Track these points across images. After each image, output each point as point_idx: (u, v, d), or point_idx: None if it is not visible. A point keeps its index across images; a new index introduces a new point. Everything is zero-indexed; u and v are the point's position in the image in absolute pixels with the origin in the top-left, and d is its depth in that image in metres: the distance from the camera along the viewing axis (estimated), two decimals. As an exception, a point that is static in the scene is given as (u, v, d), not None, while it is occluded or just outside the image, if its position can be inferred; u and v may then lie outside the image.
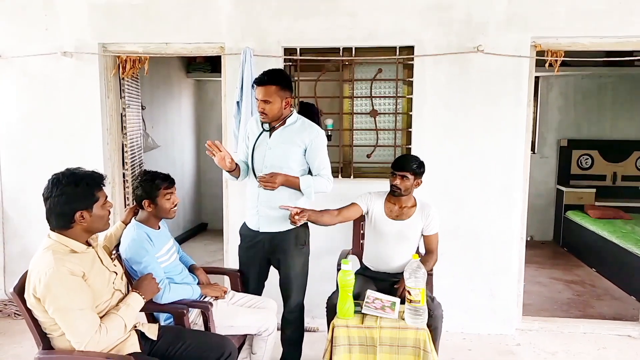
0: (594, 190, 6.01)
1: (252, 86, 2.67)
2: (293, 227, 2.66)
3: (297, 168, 2.70)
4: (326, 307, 2.77)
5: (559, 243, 6.19)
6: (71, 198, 1.93)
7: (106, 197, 2.04)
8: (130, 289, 2.22)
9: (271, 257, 2.81)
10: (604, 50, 4.24)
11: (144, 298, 2.15)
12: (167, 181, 2.49)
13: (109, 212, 2.06)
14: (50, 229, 1.98)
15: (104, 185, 2.04)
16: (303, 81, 3.76)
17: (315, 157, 2.70)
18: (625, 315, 3.93)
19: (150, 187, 2.44)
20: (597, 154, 6.25)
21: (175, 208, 2.53)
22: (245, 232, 2.85)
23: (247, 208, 2.84)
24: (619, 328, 3.66)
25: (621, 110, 6.19)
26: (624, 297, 4.41)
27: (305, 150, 2.70)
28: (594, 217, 5.50)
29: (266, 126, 2.71)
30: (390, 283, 2.85)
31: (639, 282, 3.76)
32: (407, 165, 2.83)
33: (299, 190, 2.66)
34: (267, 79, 2.60)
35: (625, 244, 4.62)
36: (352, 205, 2.95)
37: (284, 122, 2.70)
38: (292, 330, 2.84)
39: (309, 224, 2.81)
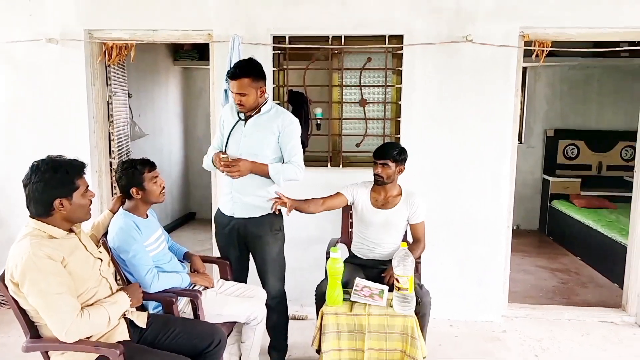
0: (579, 179, 6.08)
1: (226, 80, 2.64)
2: (267, 213, 2.72)
3: (272, 155, 2.70)
4: (315, 295, 2.79)
5: (544, 232, 6.27)
6: (49, 185, 1.90)
7: (87, 185, 2.02)
8: (117, 288, 2.20)
9: (247, 242, 2.83)
10: (591, 41, 4.27)
11: (130, 300, 2.12)
12: (149, 164, 2.47)
13: (90, 202, 2.03)
14: (30, 217, 1.95)
15: (84, 174, 2.01)
16: (292, 69, 3.74)
17: (287, 144, 2.70)
18: (608, 302, 4.00)
19: (134, 173, 2.42)
20: (582, 144, 6.32)
21: (164, 190, 2.51)
22: (220, 219, 2.87)
23: (222, 194, 2.88)
24: (602, 315, 3.73)
25: (607, 100, 6.25)
26: (608, 284, 4.49)
27: (279, 137, 2.70)
28: (579, 207, 5.57)
29: (242, 115, 2.71)
30: (378, 271, 2.87)
31: (622, 270, 3.83)
32: (387, 153, 2.84)
33: (268, 177, 2.66)
34: (239, 72, 2.59)
35: (609, 232, 4.70)
36: (337, 195, 2.98)
37: (259, 110, 2.70)
38: (276, 316, 2.85)
39: (298, 212, 2.83)
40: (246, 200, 2.72)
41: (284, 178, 2.67)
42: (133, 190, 2.44)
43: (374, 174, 2.89)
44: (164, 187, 2.51)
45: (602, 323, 3.66)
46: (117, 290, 2.15)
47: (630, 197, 3.77)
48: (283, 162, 2.73)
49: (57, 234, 1.95)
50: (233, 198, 2.74)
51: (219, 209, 2.89)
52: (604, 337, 3.46)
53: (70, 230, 2.03)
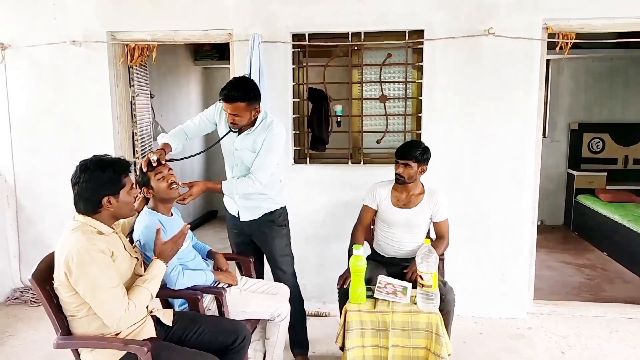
0: (605, 174, 5.95)
1: (220, 100, 2.63)
2: (269, 211, 2.83)
3: None
4: (338, 293, 2.79)
5: (569, 227, 6.16)
6: (99, 183, 1.98)
7: (132, 183, 2.09)
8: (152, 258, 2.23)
9: (255, 240, 2.92)
10: (616, 32, 4.17)
11: (164, 262, 2.18)
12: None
13: (135, 199, 2.11)
14: (78, 212, 2.02)
15: (130, 172, 2.08)
16: (312, 67, 3.74)
17: (258, 156, 2.69)
18: (637, 298, 3.91)
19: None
20: (608, 138, 6.19)
21: (174, 186, 2.49)
22: (229, 217, 2.97)
23: (225, 196, 2.92)
24: (630, 311, 3.66)
25: (633, 92, 6.11)
26: (636, 280, 4.39)
27: None
28: (605, 201, 5.46)
29: (234, 127, 2.72)
30: (401, 268, 2.85)
31: (651, 265, 3.75)
32: (410, 153, 2.80)
33: (222, 193, 2.73)
34: (235, 95, 2.57)
35: (636, 227, 4.59)
36: (365, 210, 3.00)
37: (250, 126, 2.72)
38: (293, 311, 2.82)
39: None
40: (248, 203, 2.81)
41: (237, 194, 2.73)
42: (144, 190, 2.47)
43: (395, 174, 2.86)
44: (172, 182, 2.48)
45: (630, 320, 3.58)
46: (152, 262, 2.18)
47: (659, 191, 3.69)
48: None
49: (105, 230, 2.03)
50: (237, 202, 2.84)
51: (225, 207, 2.97)
52: (632, 334, 3.39)
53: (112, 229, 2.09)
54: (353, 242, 2.92)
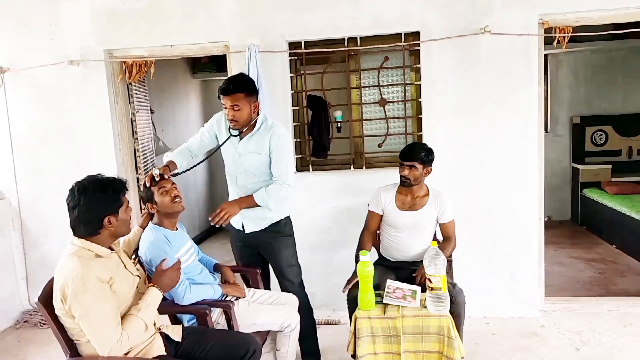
0: (609, 166, 5.92)
1: (218, 96, 2.64)
2: (274, 221, 2.80)
3: (270, 171, 2.73)
4: (347, 300, 2.76)
5: (577, 222, 6.12)
6: (100, 204, 1.97)
7: (128, 201, 2.08)
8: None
9: (260, 251, 2.90)
10: (612, 24, 4.15)
11: (161, 290, 2.14)
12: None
13: (130, 217, 2.09)
14: (76, 236, 2.00)
15: (127, 190, 2.07)
16: (310, 74, 3.74)
17: (273, 160, 2.70)
18: (650, 290, 3.88)
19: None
20: (610, 129, 6.16)
21: (177, 199, 2.49)
22: (232, 230, 2.93)
23: None
24: (644, 304, 3.62)
25: (633, 83, 6.08)
26: (648, 272, 4.36)
27: (270, 154, 2.71)
28: (611, 193, 5.42)
29: (234, 132, 2.71)
30: (409, 271, 2.83)
31: (662, 256, 3.71)
32: (415, 155, 2.79)
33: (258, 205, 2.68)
34: (232, 87, 2.58)
35: (644, 218, 4.56)
36: (371, 216, 2.99)
37: (251, 129, 2.71)
38: (302, 321, 2.79)
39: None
40: (253, 215, 2.78)
41: (272, 202, 2.69)
42: (148, 205, 2.47)
43: (400, 176, 2.84)
44: (175, 196, 2.48)
45: (644, 312, 3.55)
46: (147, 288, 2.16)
47: (665, 180, 3.66)
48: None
49: (103, 252, 2.00)
50: (241, 214, 2.78)
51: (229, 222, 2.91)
52: (647, 327, 3.35)
53: (111, 249, 2.07)
54: (360, 248, 2.91)
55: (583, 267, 4.61)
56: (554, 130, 6.28)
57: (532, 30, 3.35)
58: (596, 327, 3.39)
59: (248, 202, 2.67)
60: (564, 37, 3.43)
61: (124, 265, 2.09)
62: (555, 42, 3.47)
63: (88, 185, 1.98)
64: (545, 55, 5.65)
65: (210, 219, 2.58)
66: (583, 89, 6.21)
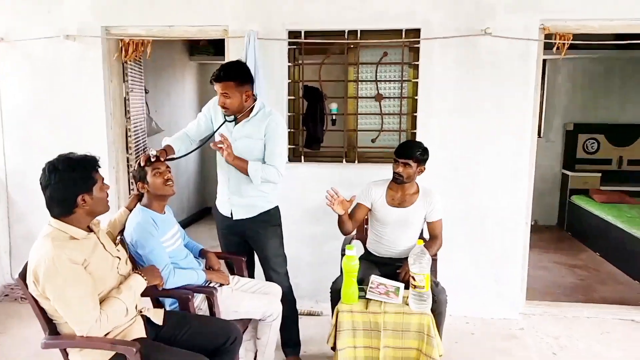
0: (599, 174, 5.97)
1: (211, 82, 2.63)
2: (264, 210, 2.79)
3: (263, 159, 2.72)
4: (330, 292, 2.78)
5: (563, 227, 6.18)
6: (71, 183, 1.93)
7: (103, 179, 2.05)
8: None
9: (247, 239, 2.89)
10: (612, 33, 4.17)
11: (146, 280, 2.14)
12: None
13: (107, 194, 2.06)
14: (52, 216, 1.97)
15: (100, 167, 2.03)
16: (308, 64, 3.72)
17: (268, 147, 2.70)
18: (629, 299, 3.93)
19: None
20: (603, 138, 6.20)
21: (171, 183, 2.49)
22: (218, 219, 2.93)
23: (219, 194, 2.91)
24: (622, 312, 3.67)
25: (629, 93, 6.11)
26: (628, 281, 4.41)
27: (265, 141, 2.70)
28: (599, 202, 5.47)
29: (230, 117, 2.70)
30: (394, 268, 2.85)
31: (643, 266, 3.77)
32: (410, 152, 2.79)
33: (246, 173, 2.65)
34: (223, 75, 2.57)
35: (630, 228, 4.61)
36: (358, 207, 2.97)
37: (247, 115, 2.70)
38: (285, 311, 2.79)
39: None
40: (243, 202, 2.78)
41: (262, 177, 2.67)
42: (139, 184, 2.46)
43: (394, 173, 2.84)
44: (168, 179, 2.48)
45: (621, 321, 3.59)
46: (131, 274, 2.16)
47: (652, 193, 3.69)
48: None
49: (78, 234, 1.97)
50: (230, 200, 2.80)
51: (216, 208, 2.92)
52: (624, 336, 3.40)
53: (90, 230, 2.05)
54: (342, 231, 2.89)
55: (565, 272, 4.66)
56: (547, 136, 6.30)
57: (532, 35, 3.35)
58: (574, 332, 3.43)
59: (241, 163, 2.64)
60: (564, 43, 3.43)
61: (103, 246, 2.07)
62: (554, 48, 3.48)
63: (58, 164, 1.94)
64: (544, 60, 5.67)
65: (213, 143, 2.60)
66: (579, 96, 6.24)
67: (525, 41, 3.35)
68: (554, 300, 3.91)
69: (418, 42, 3.48)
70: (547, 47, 3.49)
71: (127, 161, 3.99)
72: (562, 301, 3.89)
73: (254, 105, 2.71)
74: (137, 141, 4.13)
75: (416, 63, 3.54)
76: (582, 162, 6.23)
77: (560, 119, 6.30)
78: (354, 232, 3.29)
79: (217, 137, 2.79)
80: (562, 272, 4.66)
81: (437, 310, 2.58)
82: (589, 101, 6.22)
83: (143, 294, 2.20)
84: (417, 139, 3.50)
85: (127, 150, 3.99)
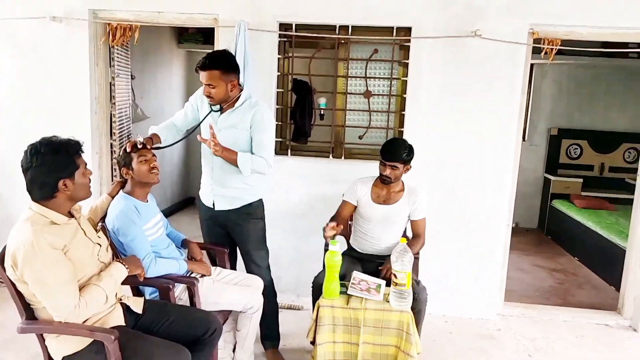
0: (581, 180, 6.05)
1: (196, 70, 2.61)
2: (246, 203, 2.77)
3: (248, 150, 2.69)
4: (312, 287, 2.78)
5: (543, 231, 6.26)
6: (53, 167, 1.90)
7: (86, 164, 2.02)
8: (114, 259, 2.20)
9: (229, 231, 2.87)
10: (600, 41, 4.22)
11: (127, 268, 2.12)
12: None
13: (89, 180, 2.04)
14: (32, 200, 1.94)
15: (83, 152, 2.00)
16: (297, 58, 3.70)
17: (255, 138, 2.68)
18: (604, 304, 3.99)
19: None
20: (586, 144, 6.28)
21: (156, 171, 2.47)
22: (201, 209, 2.92)
23: (202, 184, 2.90)
24: (597, 317, 3.73)
25: (613, 101, 6.19)
26: (604, 286, 4.48)
27: (251, 132, 2.69)
28: (579, 207, 5.55)
29: (215, 107, 2.68)
30: (376, 265, 2.86)
31: (619, 272, 3.82)
32: (397, 156, 2.78)
33: (236, 165, 2.63)
34: (209, 63, 2.55)
35: (608, 234, 4.69)
36: (344, 205, 2.98)
37: (232, 105, 2.68)
38: (265, 304, 2.78)
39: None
40: (226, 193, 2.76)
41: (251, 168, 2.65)
42: (124, 170, 2.44)
43: (382, 175, 2.83)
44: (153, 167, 2.46)
45: (597, 325, 3.66)
46: (112, 262, 2.13)
47: (631, 199, 3.76)
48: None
49: (58, 219, 1.94)
50: (213, 190, 2.78)
51: (199, 198, 2.91)
52: (597, 340, 3.46)
53: (71, 216, 2.01)
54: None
55: (544, 275, 4.73)
56: (531, 139, 6.36)
57: (521, 38, 3.38)
58: (550, 335, 3.49)
59: (230, 154, 2.62)
60: (552, 49, 3.47)
61: (84, 232, 2.04)
62: (542, 53, 3.51)
63: (40, 147, 1.90)
64: (531, 65, 5.73)
65: (199, 136, 2.60)
66: (564, 102, 6.31)
67: (513, 45, 3.37)
68: (532, 302, 3.96)
69: (409, 41, 3.48)
70: (535, 51, 3.52)
71: (111, 147, 3.93)
72: (540, 304, 3.95)
73: (239, 96, 2.68)
74: (122, 127, 4.07)
75: (406, 61, 3.54)
76: (565, 167, 6.32)
77: (545, 123, 6.37)
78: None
79: (203, 127, 2.77)
80: (541, 275, 4.72)
81: (417, 308, 2.59)
82: (574, 107, 6.30)
83: (123, 283, 2.18)
84: (404, 137, 3.51)
85: (111, 136, 3.93)
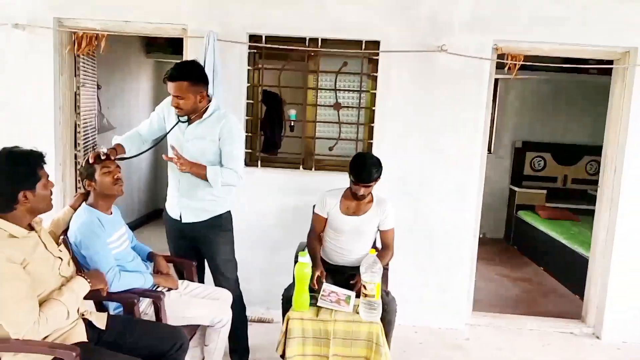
0: (545, 191, 6.21)
1: (164, 81, 2.59)
2: (214, 215, 2.73)
3: (214, 161, 2.67)
4: (282, 299, 2.76)
5: (509, 241, 6.38)
6: (13, 178, 1.84)
7: (47, 176, 1.96)
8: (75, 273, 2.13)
9: (197, 245, 2.82)
10: (561, 57, 4.37)
11: (89, 283, 2.06)
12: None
13: (51, 192, 1.98)
14: None
15: (45, 164, 1.95)
16: (267, 69, 3.70)
17: (224, 150, 2.66)
18: (569, 313, 4.07)
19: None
20: (549, 157, 6.46)
21: (120, 182, 2.42)
22: (168, 221, 2.86)
23: (169, 196, 2.85)
24: (562, 325, 3.81)
25: (574, 115, 6.40)
26: (569, 295, 4.58)
27: (219, 143, 2.66)
28: (543, 218, 5.69)
29: (183, 118, 2.66)
30: (346, 276, 2.85)
31: (583, 281, 3.92)
32: (370, 178, 2.77)
33: (205, 179, 2.61)
34: (177, 74, 2.53)
35: (572, 244, 4.81)
36: (317, 219, 3.00)
37: (201, 116, 2.65)
38: (234, 318, 2.73)
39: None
40: (193, 205, 2.72)
41: (222, 182, 2.63)
42: (86, 182, 2.38)
43: (355, 194, 2.81)
44: (117, 179, 2.41)
45: (562, 334, 3.74)
46: (74, 276, 2.07)
47: (594, 210, 3.87)
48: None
49: (17, 233, 1.88)
50: (180, 202, 2.74)
51: (166, 210, 2.85)
52: (562, 348, 3.53)
53: (31, 229, 1.95)
54: (310, 251, 2.87)
55: (510, 285, 4.81)
56: (497, 152, 6.51)
57: (486, 54, 3.46)
58: (517, 344, 3.54)
59: (199, 169, 2.58)
60: (515, 64, 3.57)
61: (45, 246, 1.98)
62: (506, 68, 3.61)
63: (0, 157, 1.85)
64: (497, 80, 5.88)
65: (164, 155, 2.54)
66: (528, 115, 6.48)
67: (479, 60, 3.45)
68: (499, 311, 4.02)
69: (377, 54, 3.53)
70: (500, 66, 3.62)
71: (75, 158, 3.84)
72: (507, 313, 4.01)
73: (208, 107, 2.66)
74: (87, 138, 3.98)
75: (375, 74, 3.59)
76: (529, 179, 6.48)
77: (510, 136, 6.53)
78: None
79: (169, 138, 2.73)
80: (507, 285, 4.81)
81: (387, 319, 2.60)
82: (537, 120, 6.48)
83: (86, 297, 2.11)
84: (373, 149, 3.55)
85: (75, 146, 3.83)
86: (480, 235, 3.83)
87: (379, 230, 2.97)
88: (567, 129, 6.44)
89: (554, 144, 6.45)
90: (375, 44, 3.53)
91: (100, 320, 2.12)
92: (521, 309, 4.18)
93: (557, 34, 3.45)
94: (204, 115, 2.65)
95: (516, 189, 6.31)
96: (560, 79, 6.14)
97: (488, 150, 3.75)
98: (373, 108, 3.62)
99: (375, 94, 3.59)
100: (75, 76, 3.76)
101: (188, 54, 3.52)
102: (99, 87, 4.39)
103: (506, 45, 3.50)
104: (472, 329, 3.73)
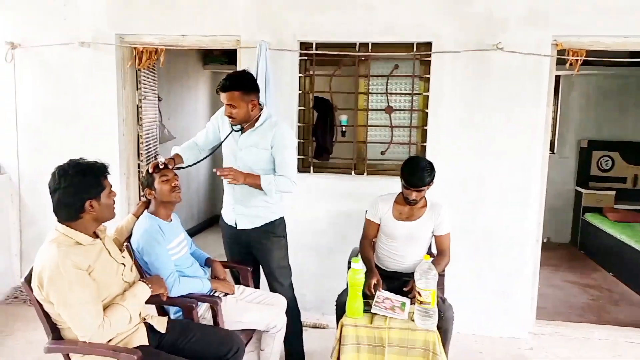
0: (613, 192, 5.88)
1: (217, 92, 2.65)
2: (268, 221, 2.78)
3: (268, 168, 2.70)
4: (336, 305, 2.75)
5: (576, 245, 6.08)
6: (80, 188, 1.95)
7: (111, 185, 2.07)
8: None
9: (252, 251, 2.87)
10: (627, 50, 4.12)
11: (150, 288, 2.14)
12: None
13: (114, 201, 2.09)
14: (58, 221, 1.99)
15: (109, 174, 2.06)
16: (318, 76, 3.72)
17: (277, 158, 2.69)
18: (642, 322, 3.84)
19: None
20: (617, 156, 6.11)
21: (178, 190, 2.51)
22: (224, 227, 2.93)
23: (225, 203, 2.91)
24: (635, 335, 3.58)
25: (644, 111, 6.03)
26: (642, 303, 4.32)
27: (272, 151, 2.69)
28: (612, 220, 5.38)
29: (236, 127, 2.70)
30: (401, 282, 2.80)
31: (657, 288, 3.68)
32: (423, 182, 2.72)
33: (260, 188, 2.64)
34: (229, 84, 2.58)
35: (644, 248, 4.52)
36: (370, 225, 2.97)
37: (253, 124, 2.70)
38: (289, 323, 2.77)
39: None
40: (248, 212, 2.77)
41: (276, 190, 2.66)
42: (147, 190, 2.48)
43: (408, 198, 2.77)
44: (175, 186, 2.50)
45: (634, 344, 3.50)
46: (136, 281, 2.16)
47: (667, 212, 3.62)
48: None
49: (83, 240, 1.98)
50: (235, 209, 2.80)
51: (222, 217, 2.92)
52: (636, 359, 3.31)
53: (96, 236, 2.05)
54: (363, 257, 2.86)
55: (577, 292, 4.58)
56: (561, 152, 6.23)
57: (544, 50, 3.32)
58: (584, 354, 3.36)
59: (253, 179, 2.63)
60: (577, 59, 3.40)
61: (109, 253, 2.08)
62: (567, 64, 3.44)
63: (68, 168, 1.96)
64: (558, 76, 5.63)
65: (215, 169, 2.58)
66: (593, 113, 6.17)
67: (537, 57, 3.32)
68: (565, 320, 3.83)
69: (429, 56, 3.47)
70: (560, 62, 3.46)
71: (138, 168, 4.01)
72: (573, 321, 3.81)
73: (260, 115, 2.71)
74: (149, 148, 4.15)
75: (427, 76, 3.53)
76: (596, 180, 6.15)
77: (574, 135, 6.23)
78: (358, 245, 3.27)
79: (224, 147, 2.80)
80: (574, 292, 4.57)
81: (444, 327, 2.53)
82: (603, 118, 6.15)
83: (147, 302, 2.19)
84: (427, 152, 3.49)
85: (138, 156, 4.01)
86: (544, 240, 3.68)
87: (433, 235, 2.91)
88: (636, 125, 6.06)
89: (622, 142, 6.10)
90: (427, 45, 3.47)
91: (161, 324, 2.20)
92: (589, 317, 3.97)
93: (623, 26, 3.26)
94: (256, 124, 2.70)
95: (582, 190, 6.01)
96: (627, 74, 5.81)
97: (551, 151, 3.58)
98: (426, 110, 3.56)
99: (427, 96, 3.52)
100: (137, 89, 3.94)
101: (242, 64, 3.60)
102: (159, 99, 4.57)
103: (566, 40, 3.34)
104: (536, 337, 3.57)
